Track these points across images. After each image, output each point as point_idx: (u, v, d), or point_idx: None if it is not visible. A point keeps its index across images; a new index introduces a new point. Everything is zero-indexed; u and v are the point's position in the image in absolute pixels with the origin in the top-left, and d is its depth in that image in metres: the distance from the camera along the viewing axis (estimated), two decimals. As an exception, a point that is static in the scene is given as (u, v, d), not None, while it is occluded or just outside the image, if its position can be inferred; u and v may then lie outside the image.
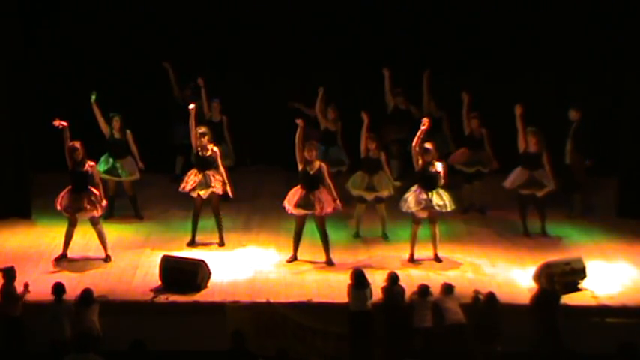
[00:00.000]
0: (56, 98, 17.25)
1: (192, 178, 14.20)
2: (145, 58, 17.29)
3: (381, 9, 17.50)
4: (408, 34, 17.45)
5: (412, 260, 13.79)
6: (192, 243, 14.34)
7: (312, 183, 13.54)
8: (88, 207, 13.48)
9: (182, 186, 14.27)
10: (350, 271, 12.36)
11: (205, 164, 14.16)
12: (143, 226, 15.24)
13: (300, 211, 13.59)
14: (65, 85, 17.35)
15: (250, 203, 16.23)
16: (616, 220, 15.66)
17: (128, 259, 13.88)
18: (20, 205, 15.48)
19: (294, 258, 13.82)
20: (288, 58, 17.54)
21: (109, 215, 14.83)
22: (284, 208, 13.73)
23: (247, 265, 13.75)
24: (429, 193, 13.55)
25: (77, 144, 13.59)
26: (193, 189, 14.14)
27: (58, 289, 11.73)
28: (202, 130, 14.22)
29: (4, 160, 15.36)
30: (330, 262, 13.72)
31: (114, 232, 14.63)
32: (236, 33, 17.55)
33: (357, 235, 14.78)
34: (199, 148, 14.15)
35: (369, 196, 14.54)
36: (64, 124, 13.60)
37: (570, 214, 15.73)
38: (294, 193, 13.62)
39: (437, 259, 13.81)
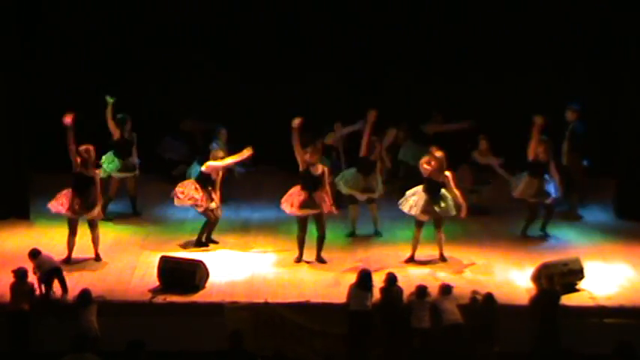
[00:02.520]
0: (54, 98, 17.26)
1: (197, 194, 14.13)
2: (141, 55, 17.35)
3: (380, 9, 17.53)
4: (407, 34, 17.48)
5: (411, 260, 13.80)
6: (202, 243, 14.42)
7: (315, 184, 13.55)
8: (94, 207, 13.53)
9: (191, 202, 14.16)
10: (348, 271, 12.35)
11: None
12: (141, 226, 15.26)
13: (306, 211, 13.59)
14: (64, 85, 17.36)
15: (249, 204, 16.23)
16: (614, 221, 15.68)
17: (126, 259, 13.89)
18: (19, 205, 15.49)
19: (300, 259, 13.83)
20: (288, 59, 17.55)
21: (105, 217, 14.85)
22: (283, 209, 13.73)
23: (245, 265, 13.76)
24: (432, 197, 13.58)
25: (91, 147, 13.62)
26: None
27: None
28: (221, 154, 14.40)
29: (2, 160, 15.36)
30: (320, 260, 13.74)
31: (112, 232, 14.66)
32: (236, 33, 17.56)
33: (352, 235, 14.80)
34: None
35: (362, 197, 14.57)
36: (69, 120, 13.48)
37: (568, 214, 15.74)
38: (296, 195, 13.61)
39: (442, 258, 13.87)
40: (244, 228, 15.27)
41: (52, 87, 17.34)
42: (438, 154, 13.62)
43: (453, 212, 13.72)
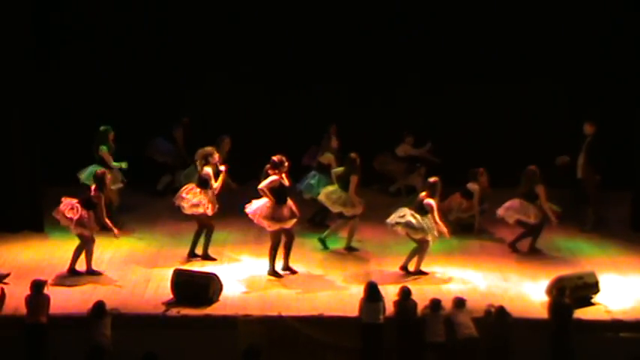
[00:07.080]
0: (67, 112, 17.35)
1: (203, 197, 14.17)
2: (148, 71, 17.45)
3: (383, 15, 17.54)
4: (418, 43, 17.48)
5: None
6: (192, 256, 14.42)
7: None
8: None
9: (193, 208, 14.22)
10: (363, 285, 12.37)
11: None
12: (155, 239, 15.27)
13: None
14: (75, 100, 17.43)
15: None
16: (629, 234, 15.61)
17: (140, 272, 13.90)
18: (33, 218, 15.51)
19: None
20: (298, 69, 17.57)
21: None
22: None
23: (259, 278, 13.75)
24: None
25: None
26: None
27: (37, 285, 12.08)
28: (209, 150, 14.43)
29: (16, 174, 15.41)
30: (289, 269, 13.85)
31: (125, 245, 14.67)
32: (245, 44, 17.60)
33: (350, 249, 14.77)
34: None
35: (349, 212, 14.58)
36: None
37: (583, 228, 15.68)
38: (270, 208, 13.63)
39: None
40: (258, 240, 15.15)
41: (64, 101, 17.38)
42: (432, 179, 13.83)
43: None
